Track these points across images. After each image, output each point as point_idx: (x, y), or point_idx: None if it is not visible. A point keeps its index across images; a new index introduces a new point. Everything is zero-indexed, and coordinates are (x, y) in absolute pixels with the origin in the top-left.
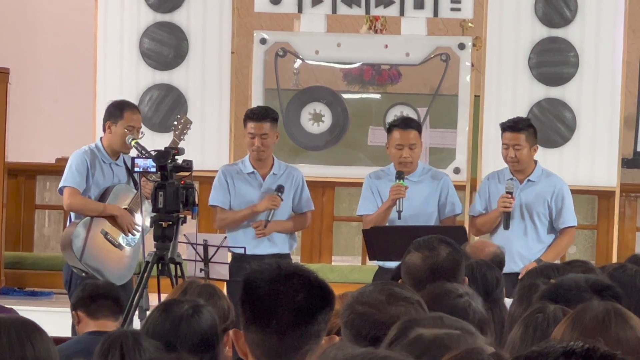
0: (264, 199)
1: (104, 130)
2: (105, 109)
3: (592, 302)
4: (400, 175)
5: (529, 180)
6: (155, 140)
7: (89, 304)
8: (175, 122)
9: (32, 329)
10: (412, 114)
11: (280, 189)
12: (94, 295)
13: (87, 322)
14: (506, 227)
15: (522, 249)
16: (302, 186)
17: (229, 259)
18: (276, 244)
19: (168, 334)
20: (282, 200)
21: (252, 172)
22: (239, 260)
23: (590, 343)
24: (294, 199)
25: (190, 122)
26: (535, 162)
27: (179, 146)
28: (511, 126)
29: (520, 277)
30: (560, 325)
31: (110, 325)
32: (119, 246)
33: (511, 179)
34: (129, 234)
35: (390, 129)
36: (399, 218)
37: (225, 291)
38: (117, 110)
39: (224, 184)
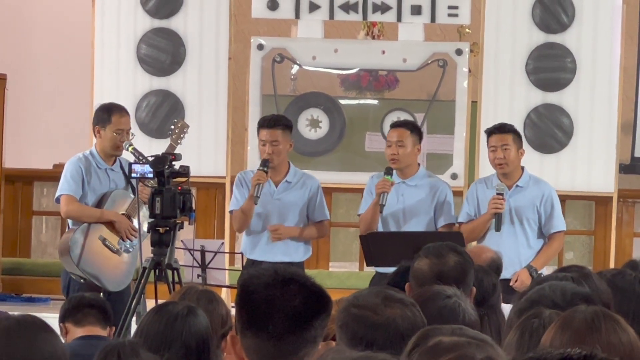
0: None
1: (94, 136)
2: (93, 114)
3: (579, 307)
4: (388, 171)
5: (517, 186)
6: (152, 146)
7: (75, 314)
8: (172, 127)
9: (38, 328)
10: (409, 120)
11: (265, 163)
12: (79, 305)
13: (74, 331)
14: (497, 228)
15: (512, 255)
16: (317, 195)
17: (227, 265)
18: (290, 252)
19: (162, 333)
20: (266, 173)
21: (262, 185)
22: (252, 267)
23: (588, 350)
24: (308, 207)
25: (187, 126)
26: (522, 167)
27: (176, 152)
28: (498, 128)
29: (511, 283)
30: (549, 331)
31: (98, 331)
32: (117, 252)
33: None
34: (127, 240)
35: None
36: (381, 212)
37: (228, 297)
38: (105, 114)
39: (240, 188)
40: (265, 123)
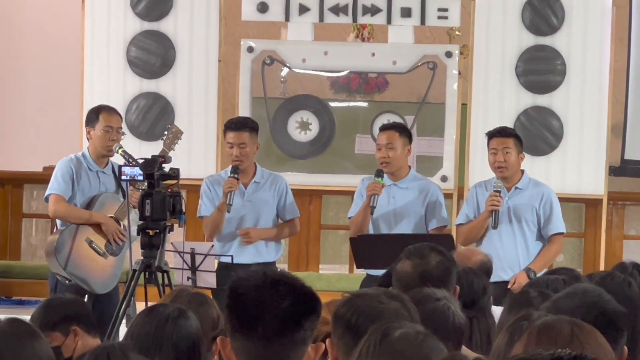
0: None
1: (87, 138)
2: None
3: (550, 318)
4: (379, 173)
5: (516, 188)
6: (142, 149)
7: (87, 320)
8: (166, 132)
9: (24, 333)
10: (399, 122)
11: (235, 170)
12: (89, 311)
13: (86, 338)
14: (494, 226)
15: (511, 257)
16: (286, 193)
17: (217, 267)
18: (260, 252)
19: (153, 336)
20: (237, 180)
21: (234, 192)
22: (225, 269)
23: (578, 351)
24: (278, 206)
25: (181, 132)
26: (522, 171)
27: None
28: (499, 131)
29: (509, 286)
30: (522, 340)
31: (99, 342)
32: (103, 255)
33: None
34: (115, 242)
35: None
36: (371, 214)
37: None
38: (93, 114)
39: (208, 193)
40: (232, 126)
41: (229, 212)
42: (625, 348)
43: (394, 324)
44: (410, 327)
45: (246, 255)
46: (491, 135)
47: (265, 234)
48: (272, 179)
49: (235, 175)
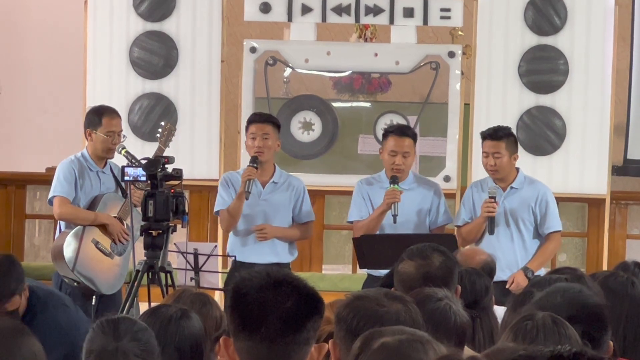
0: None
1: (86, 139)
2: (84, 117)
3: (534, 314)
4: (395, 180)
5: (512, 187)
6: (145, 149)
7: (22, 271)
8: (160, 130)
9: (16, 332)
10: (402, 123)
11: (254, 160)
12: (19, 263)
13: (25, 291)
14: (491, 232)
15: (509, 257)
16: (303, 196)
17: (220, 268)
18: (278, 253)
19: (156, 336)
20: (256, 169)
21: (253, 180)
22: (239, 269)
23: (579, 347)
24: (294, 209)
25: (175, 129)
26: (517, 169)
27: (168, 154)
28: (491, 134)
29: (507, 285)
30: (504, 336)
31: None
32: (109, 255)
33: (495, 186)
34: (120, 243)
35: (385, 134)
36: (395, 222)
37: (221, 300)
38: (95, 117)
39: (226, 188)
40: (257, 118)
41: (247, 199)
42: (611, 343)
43: (378, 331)
44: (396, 332)
45: (263, 255)
46: (483, 137)
47: (281, 232)
48: (289, 181)
49: (255, 165)
